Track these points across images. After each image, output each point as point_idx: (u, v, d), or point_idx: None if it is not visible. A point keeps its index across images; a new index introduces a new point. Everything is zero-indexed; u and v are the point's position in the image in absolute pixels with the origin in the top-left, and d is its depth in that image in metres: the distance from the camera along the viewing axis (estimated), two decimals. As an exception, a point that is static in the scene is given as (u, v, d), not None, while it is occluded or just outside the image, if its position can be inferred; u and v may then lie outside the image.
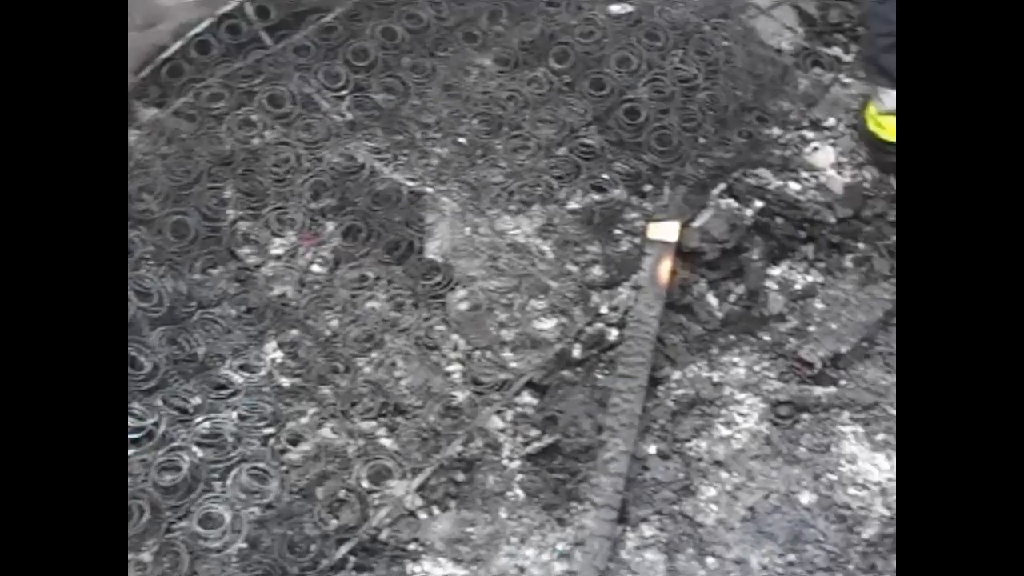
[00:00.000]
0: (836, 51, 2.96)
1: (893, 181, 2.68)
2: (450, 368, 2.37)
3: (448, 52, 2.82)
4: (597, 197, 2.60)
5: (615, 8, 2.90)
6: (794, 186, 2.66)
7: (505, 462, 2.29)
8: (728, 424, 2.35)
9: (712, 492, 2.27)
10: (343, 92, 2.73)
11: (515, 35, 2.84)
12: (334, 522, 2.18)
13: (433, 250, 2.50)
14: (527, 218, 2.56)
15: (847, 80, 2.88)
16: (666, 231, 2.49)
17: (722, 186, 2.63)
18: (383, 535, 2.19)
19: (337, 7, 2.84)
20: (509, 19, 2.87)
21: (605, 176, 2.62)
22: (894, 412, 2.35)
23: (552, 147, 2.66)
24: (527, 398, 2.36)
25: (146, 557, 2.11)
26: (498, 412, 2.33)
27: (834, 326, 2.47)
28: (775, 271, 2.57)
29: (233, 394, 2.31)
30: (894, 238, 2.61)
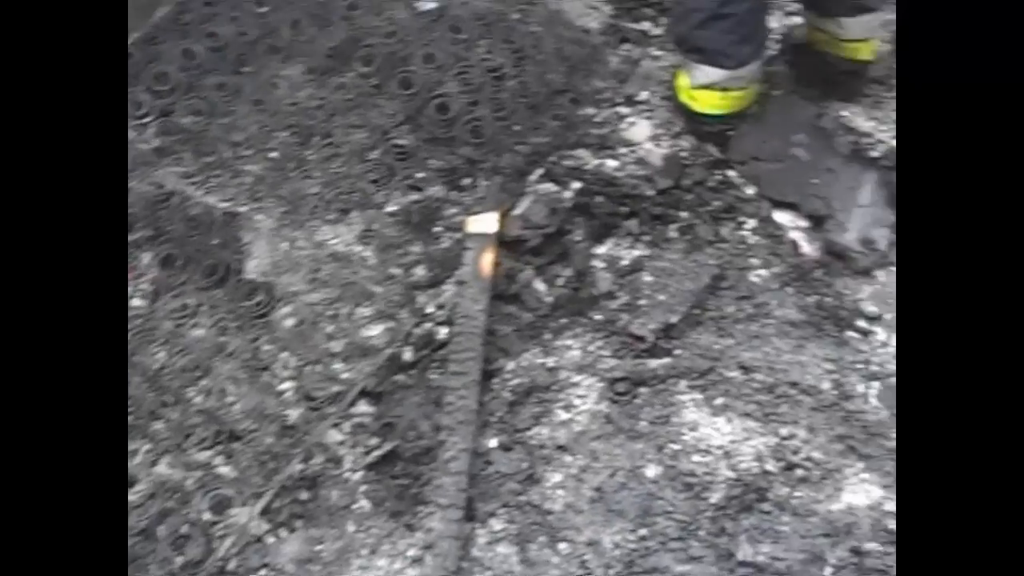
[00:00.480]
0: (644, 25, 2.99)
1: (711, 148, 2.71)
2: (282, 387, 2.33)
3: (253, 67, 2.77)
4: (415, 197, 2.58)
5: (420, 5, 2.88)
6: (611, 163, 2.67)
7: (347, 475, 2.25)
8: (567, 408, 2.34)
9: (558, 477, 2.26)
10: (147, 119, 2.67)
11: (319, 42, 2.80)
12: (179, 559, 2.13)
13: (253, 269, 2.45)
14: (346, 226, 2.53)
15: (657, 53, 2.91)
16: (485, 223, 2.48)
17: (539, 171, 2.63)
18: (231, 565, 2.15)
19: (132, 32, 2.77)
20: (311, 27, 2.83)
21: (421, 175, 2.60)
22: (730, 375, 2.37)
23: (365, 151, 2.63)
24: (363, 407, 2.33)
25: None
26: (335, 425, 2.29)
27: (663, 297, 2.48)
28: (600, 250, 2.57)
29: (60, 441, 2.24)
30: (716, 203, 2.63)
